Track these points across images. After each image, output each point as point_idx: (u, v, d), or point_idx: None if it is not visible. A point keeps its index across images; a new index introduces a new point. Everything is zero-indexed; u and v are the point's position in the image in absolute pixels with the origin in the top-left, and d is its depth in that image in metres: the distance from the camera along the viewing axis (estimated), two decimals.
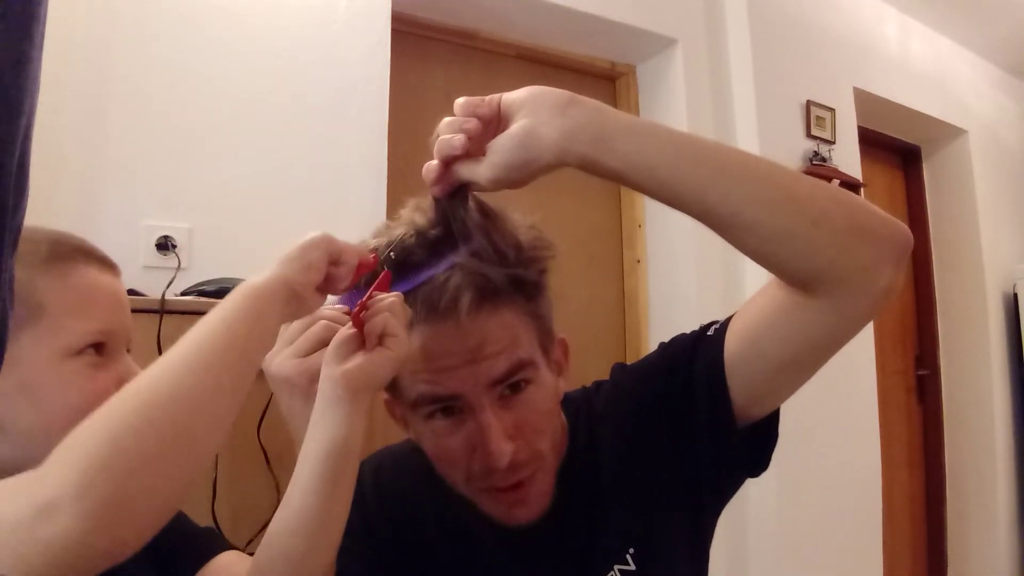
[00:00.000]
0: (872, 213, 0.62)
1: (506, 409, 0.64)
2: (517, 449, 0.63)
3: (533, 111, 0.59)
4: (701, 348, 0.69)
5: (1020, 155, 3.52)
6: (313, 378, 0.60)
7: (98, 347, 0.61)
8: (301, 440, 0.60)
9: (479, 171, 0.61)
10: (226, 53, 1.53)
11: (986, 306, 3.09)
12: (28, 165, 0.25)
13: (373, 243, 0.66)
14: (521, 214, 0.70)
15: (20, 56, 0.23)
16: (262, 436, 1.12)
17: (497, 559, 0.72)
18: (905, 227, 0.62)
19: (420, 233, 0.64)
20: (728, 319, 0.70)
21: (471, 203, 0.64)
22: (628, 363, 0.80)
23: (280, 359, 0.64)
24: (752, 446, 0.69)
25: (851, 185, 2.49)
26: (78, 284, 0.60)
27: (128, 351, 0.65)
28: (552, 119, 0.58)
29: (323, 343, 0.62)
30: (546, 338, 0.69)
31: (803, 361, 0.65)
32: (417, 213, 0.67)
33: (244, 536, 1.08)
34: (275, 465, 1.13)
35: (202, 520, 1.07)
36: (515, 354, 0.64)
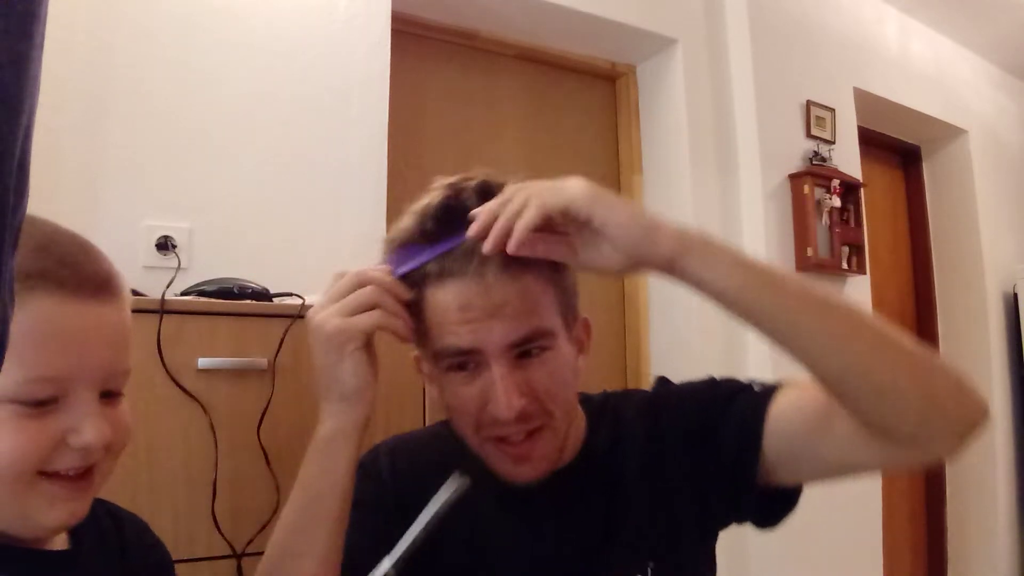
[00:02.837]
0: (950, 378, 0.61)
1: (519, 369, 0.67)
2: (526, 405, 0.67)
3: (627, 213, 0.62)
4: (744, 406, 0.70)
5: (1020, 155, 3.52)
6: (352, 338, 0.65)
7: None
8: (325, 395, 0.67)
9: (602, 255, 0.63)
10: (226, 53, 1.53)
11: (986, 306, 3.09)
12: (28, 165, 0.25)
13: (426, 200, 0.70)
14: None
15: (20, 56, 0.23)
16: (262, 436, 1.12)
17: (507, 546, 0.74)
18: (982, 401, 0.60)
19: (456, 197, 0.69)
20: (776, 386, 0.71)
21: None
22: (673, 382, 0.81)
23: (324, 315, 0.67)
24: (768, 504, 0.71)
25: (851, 185, 2.49)
26: (26, 322, 0.50)
27: (113, 393, 0.57)
28: (661, 227, 0.61)
29: (369, 307, 0.66)
30: (569, 312, 0.72)
31: (841, 475, 0.67)
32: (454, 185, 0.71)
33: (244, 536, 1.08)
34: (275, 465, 1.12)
35: (202, 520, 1.07)
36: (534, 320, 0.67)
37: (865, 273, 2.53)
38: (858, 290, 2.52)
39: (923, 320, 3.26)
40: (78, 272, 0.54)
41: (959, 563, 3.07)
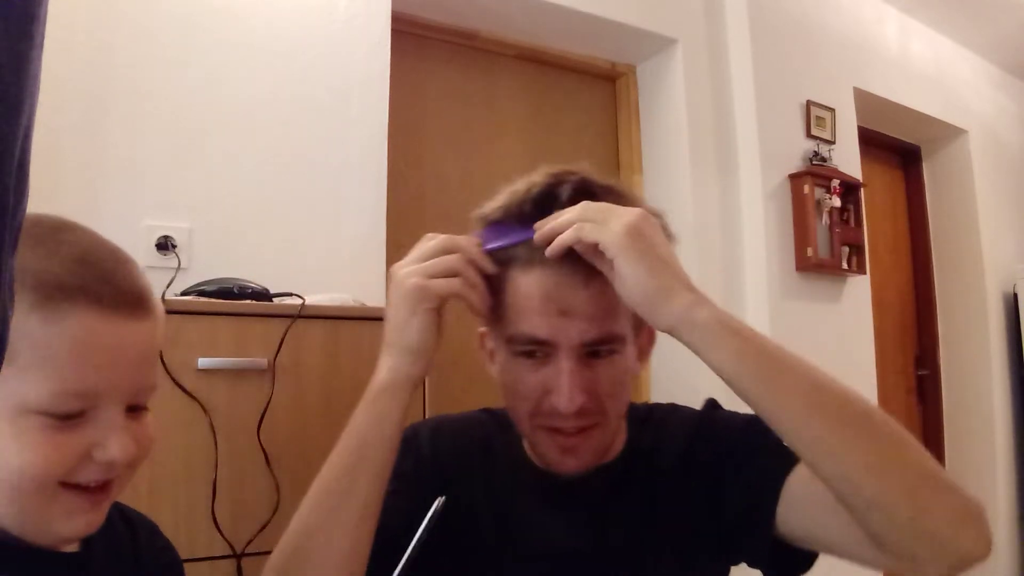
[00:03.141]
0: (952, 504, 0.57)
1: (587, 367, 0.68)
2: (586, 402, 0.68)
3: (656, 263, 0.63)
4: (769, 464, 0.70)
5: (1020, 155, 3.52)
6: (426, 298, 0.67)
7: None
8: (388, 347, 0.70)
9: (622, 294, 0.64)
10: (226, 53, 1.53)
11: (986, 306, 3.09)
12: (28, 165, 0.25)
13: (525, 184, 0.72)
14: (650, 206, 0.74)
15: (20, 56, 0.23)
16: (262, 436, 1.12)
17: (540, 533, 0.75)
18: (985, 536, 0.57)
19: (557, 187, 0.70)
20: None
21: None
22: (721, 408, 0.82)
23: (407, 271, 0.69)
24: (783, 557, 0.70)
25: (851, 185, 2.49)
26: (62, 335, 0.50)
27: (138, 407, 0.57)
28: (674, 295, 0.62)
29: (451, 273, 0.67)
30: (639, 319, 0.72)
31: (845, 558, 0.66)
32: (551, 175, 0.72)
33: (244, 536, 1.08)
34: (275, 465, 1.12)
35: (202, 520, 1.07)
36: (610, 324, 0.68)
37: (865, 273, 2.53)
38: (858, 290, 2.52)
39: (923, 320, 3.26)
40: (117, 288, 0.54)
41: None
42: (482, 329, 0.78)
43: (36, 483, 0.51)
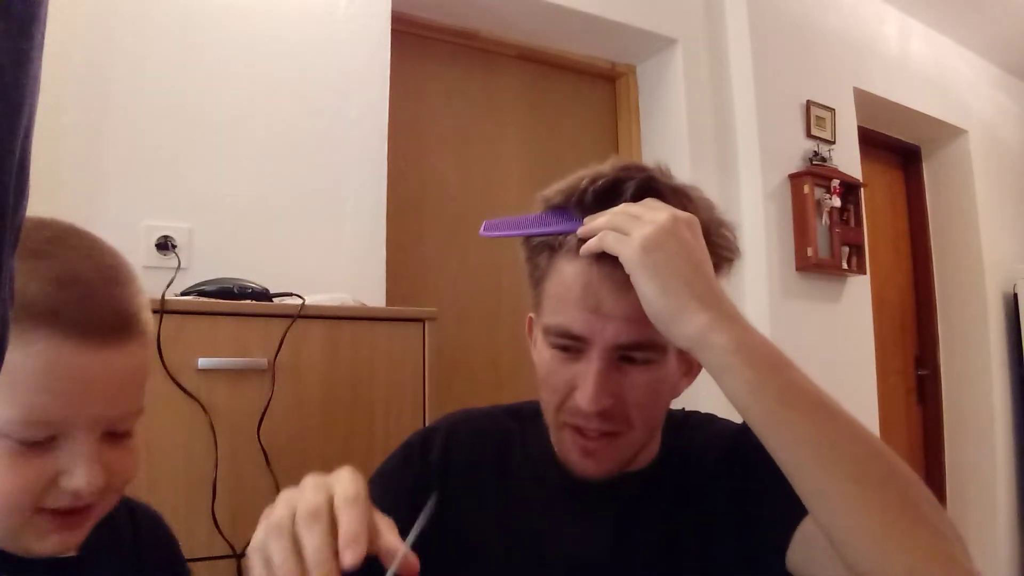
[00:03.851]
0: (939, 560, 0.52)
1: (617, 371, 0.66)
2: (611, 406, 0.65)
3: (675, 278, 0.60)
4: (785, 502, 0.65)
5: (1020, 155, 3.52)
6: None
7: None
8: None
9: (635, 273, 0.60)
10: (226, 53, 1.53)
11: (986, 306, 3.09)
12: (28, 165, 0.25)
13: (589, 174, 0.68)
14: (720, 212, 0.71)
15: (20, 56, 0.23)
16: (262, 436, 1.12)
17: (562, 533, 0.73)
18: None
19: (623, 182, 0.67)
20: None
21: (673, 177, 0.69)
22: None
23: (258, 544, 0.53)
24: None
25: (851, 185, 2.49)
26: (27, 361, 0.48)
27: (120, 432, 0.54)
28: (688, 315, 0.59)
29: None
30: None
31: None
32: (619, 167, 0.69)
33: (244, 536, 1.08)
34: (275, 465, 1.13)
35: (202, 521, 1.08)
36: (649, 331, 0.63)
37: (865, 273, 2.53)
38: (858, 290, 2.52)
39: (923, 320, 3.26)
40: (92, 314, 0.50)
41: None
42: (531, 314, 0.76)
43: (5, 508, 0.49)
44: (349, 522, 0.49)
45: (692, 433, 0.78)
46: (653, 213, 0.62)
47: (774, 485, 0.67)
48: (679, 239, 0.60)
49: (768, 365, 0.57)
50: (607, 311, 0.64)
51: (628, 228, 0.61)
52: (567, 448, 0.70)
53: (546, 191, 0.71)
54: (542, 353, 0.70)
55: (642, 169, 0.69)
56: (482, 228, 0.71)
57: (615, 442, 0.68)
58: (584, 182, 0.68)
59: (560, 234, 0.67)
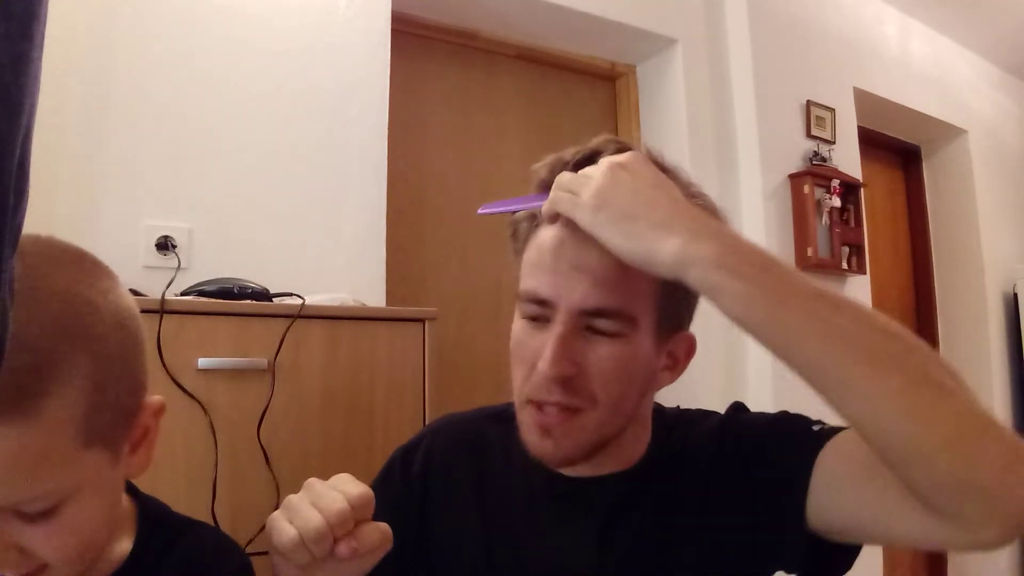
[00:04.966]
0: (1000, 449, 0.50)
1: (584, 340, 0.64)
2: (572, 377, 0.63)
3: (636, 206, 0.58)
4: (799, 447, 0.65)
5: (1020, 155, 3.52)
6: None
7: None
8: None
9: (584, 217, 0.60)
10: (226, 53, 1.53)
11: (986, 306, 3.09)
12: (28, 165, 0.25)
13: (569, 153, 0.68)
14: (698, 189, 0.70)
15: (20, 56, 0.23)
16: (262, 436, 1.12)
17: (548, 535, 0.71)
18: None
19: (598, 155, 0.66)
20: (838, 429, 0.64)
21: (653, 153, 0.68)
22: (747, 410, 0.76)
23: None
24: (817, 558, 0.65)
25: (851, 185, 2.49)
26: None
27: (35, 512, 0.48)
28: (662, 247, 0.56)
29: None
30: (668, 317, 0.67)
31: (887, 541, 0.62)
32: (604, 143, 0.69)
33: (244, 536, 1.08)
34: (275, 465, 1.12)
35: (202, 520, 1.07)
36: (618, 297, 0.62)
37: (865, 273, 2.53)
38: (858, 290, 2.52)
39: (923, 320, 3.26)
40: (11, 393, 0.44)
41: (959, 563, 3.07)
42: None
43: None
44: (360, 495, 0.56)
45: (685, 430, 0.75)
46: (596, 168, 0.61)
47: (777, 447, 0.66)
48: (622, 180, 0.59)
49: (756, 270, 0.55)
50: (575, 269, 0.63)
51: (576, 187, 0.61)
52: (526, 430, 0.67)
53: (536, 165, 0.70)
54: (515, 326, 0.69)
55: (621, 142, 0.68)
56: (480, 208, 0.72)
57: (575, 420, 0.65)
58: (568, 155, 0.68)
59: (539, 207, 0.67)
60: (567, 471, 0.71)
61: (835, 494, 0.61)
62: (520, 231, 0.70)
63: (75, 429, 0.48)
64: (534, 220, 0.68)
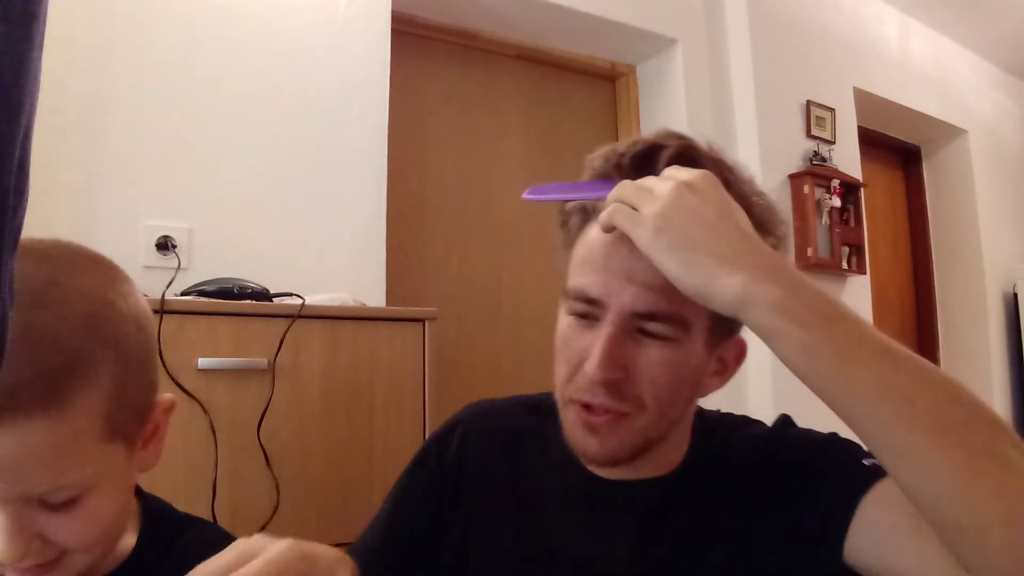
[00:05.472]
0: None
1: (633, 343, 0.61)
2: (620, 381, 0.61)
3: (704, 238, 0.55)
4: (844, 481, 0.62)
5: (1020, 155, 3.52)
6: None
7: None
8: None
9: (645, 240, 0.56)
10: (226, 53, 1.53)
11: (986, 306, 3.09)
12: (28, 165, 0.25)
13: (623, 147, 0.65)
14: (755, 187, 0.66)
15: (20, 56, 0.23)
16: (262, 436, 1.12)
17: (581, 536, 0.70)
18: None
19: (659, 150, 0.63)
20: (884, 471, 0.59)
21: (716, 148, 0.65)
22: (795, 425, 0.73)
23: None
24: None
25: (851, 185, 2.49)
26: None
27: (58, 502, 0.50)
28: (719, 284, 0.53)
29: None
30: (720, 320, 0.63)
31: None
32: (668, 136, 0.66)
33: (243, 536, 1.08)
34: (275, 465, 1.12)
35: None
36: (672, 301, 0.59)
37: (865, 273, 2.53)
38: (858, 290, 2.52)
39: (923, 320, 3.26)
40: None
41: None
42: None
43: None
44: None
45: (727, 435, 0.73)
46: (663, 184, 0.57)
47: (824, 474, 0.63)
48: (688, 204, 0.55)
49: (820, 319, 0.51)
50: (627, 275, 0.60)
51: (638, 203, 0.57)
52: (571, 427, 0.65)
53: (591, 155, 0.67)
54: (560, 322, 0.66)
55: (682, 138, 0.65)
56: (527, 192, 0.68)
57: (622, 423, 0.62)
58: (622, 147, 0.65)
59: (592, 199, 0.64)
60: (605, 473, 0.69)
61: (877, 539, 0.59)
62: (572, 224, 0.67)
63: (99, 424, 0.51)
64: (586, 214, 0.65)
